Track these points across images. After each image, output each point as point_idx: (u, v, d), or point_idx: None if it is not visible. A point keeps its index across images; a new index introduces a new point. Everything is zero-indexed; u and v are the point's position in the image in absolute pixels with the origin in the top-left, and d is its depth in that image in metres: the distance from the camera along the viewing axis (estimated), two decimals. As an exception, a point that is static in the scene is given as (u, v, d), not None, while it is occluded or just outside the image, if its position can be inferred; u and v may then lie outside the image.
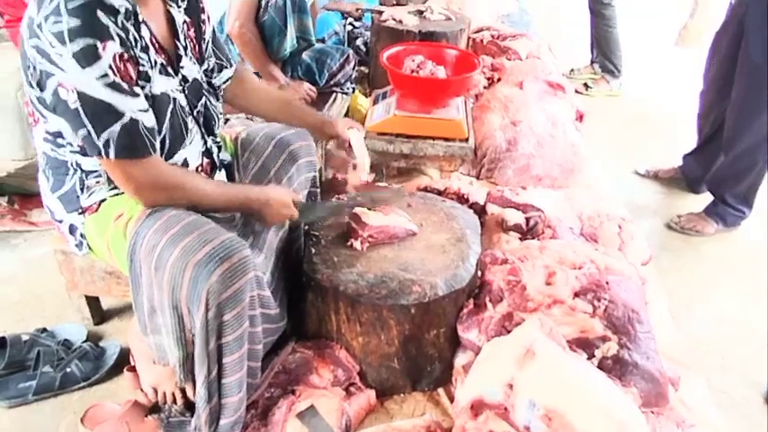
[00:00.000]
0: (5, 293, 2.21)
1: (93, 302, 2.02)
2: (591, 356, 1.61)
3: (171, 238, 1.39)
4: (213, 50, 1.75)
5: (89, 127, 1.35)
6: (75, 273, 1.87)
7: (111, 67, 1.32)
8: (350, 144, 2.00)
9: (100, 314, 2.07)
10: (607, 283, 1.76)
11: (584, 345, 1.62)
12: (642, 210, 2.99)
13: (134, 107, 1.38)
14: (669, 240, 2.80)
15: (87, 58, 1.30)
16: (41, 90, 1.38)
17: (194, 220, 1.43)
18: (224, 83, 1.82)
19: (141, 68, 1.43)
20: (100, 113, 1.34)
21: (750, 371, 2.08)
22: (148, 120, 1.42)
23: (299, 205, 1.71)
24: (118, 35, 1.35)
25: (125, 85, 1.36)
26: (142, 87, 1.43)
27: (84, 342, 1.90)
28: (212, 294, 1.35)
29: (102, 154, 1.37)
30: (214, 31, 1.77)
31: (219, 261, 1.35)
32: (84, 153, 1.50)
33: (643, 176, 3.31)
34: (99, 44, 1.30)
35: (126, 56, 1.36)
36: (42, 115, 1.46)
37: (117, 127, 1.35)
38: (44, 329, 1.92)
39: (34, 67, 1.35)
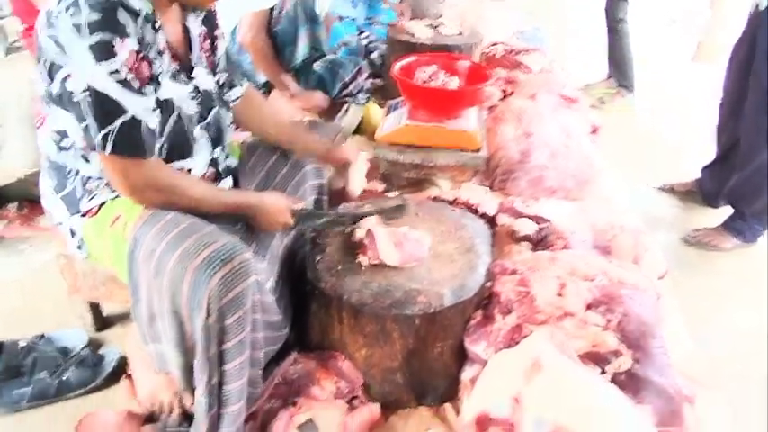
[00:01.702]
0: (8, 299, 2.19)
1: (94, 309, 2.00)
2: (603, 371, 1.54)
3: (170, 243, 1.36)
4: (225, 66, 1.74)
5: (91, 120, 1.34)
6: (77, 277, 1.84)
7: (124, 64, 1.32)
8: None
9: (101, 321, 2.04)
10: (620, 295, 1.70)
11: (595, 359, 1.56)
12: (658, 224, 2.92)
13: (140, 106, 1.37)
14: (685, 255, 2.74)
15: (102, 52, 1.29)
16: (51, 82, 1.37)
17: (193, 224, 1.40)
18: (233, 101, 1.81)
19: (154, 70, 1.42)
20: (104, 108, 1.33)
21: (769, 386, 2.01)
22: (152, 121, 1.41)
23: (297, 213, 1.68)
24: (136, 34, 1.35)
25: (136, 84, 1.35)
26: (154, 90, 1.42)
27: (83, 348, 1.87)
28: (213, 298, 1.31)
29: (99, 148, 1.35)
30: (228, 47, 1.76)
31: (220, 264, 1.32)
32: (86, 160, 1.49)
33: (659, 190, 3.25)
34: (117, 40, 1.30)
35: (142, 54, 1.36)
36: (49, 112, 1.44)
37: (118, 123, 1.34)
38: (42, 336, 1.89)
39: (46, 59, 1.34)
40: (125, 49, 1.32)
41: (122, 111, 1.34)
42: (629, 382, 1.52)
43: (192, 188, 1.50)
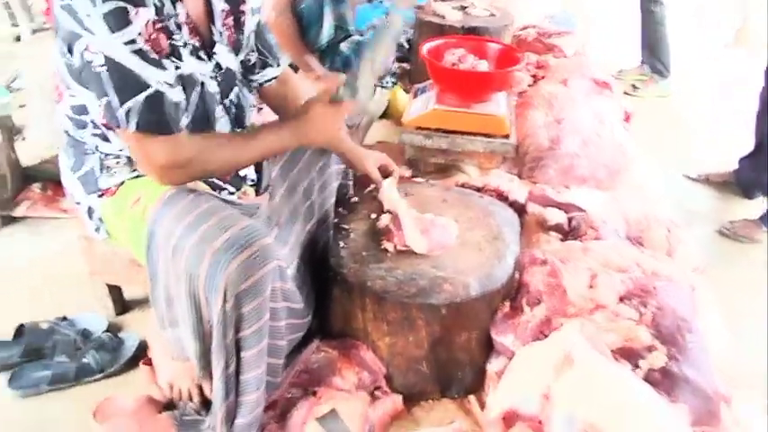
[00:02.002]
0: (29, 280, 2.18)
1: (115, 292, 1.98)
2: (636, 367, 1.48)
3: (189, 224, 1.31)
4: (257, 46, 1.68)
5: (111, 95, 1.28)
6: (97, 259, 1.82)
7: (141, 34, 1.27)
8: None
9: (121, 304, 2.02)
10: (654, 288, 1.64)
11: (628, 354, 1.50)
12: (693, 215, 2.82)
13: (161, 79, 1.31)
14: (721, 247, 2.64)
15: (117, 21, 1.24)
16: (70, 55, 1.32)
17: (213, 206, 1.36)
18: (267, 81, 1.75)
19: (174, 43, 1.36)
20: (124, 81, 1.28)
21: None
22: (175, 95, 1.35)
23: (346, 85, 1.60)
24: (154, 4, 1.30)
25: (153, 55, 1.30)
26: (176, 67, 1.37)
27: (103, 332, 1.85)
28: (231, 284, 1.27)
29: (123, 125, 1.30)
30: (261, 26, 1.69)
31: (239, 249, 1.27)
32: (104, 138, 1.45)
33: (694, 180, 3.15)
34: (131, 9, 1.25)
35: (159, 25, 1.31)
36: (68, 86, 1.41)
37: (141, 97, 1.29)
38: (64, 318, 1.88)
39: (63, 31, 1.29)
40: (141, 18, 1.26)
41: (144, 84, 1.29)
42: (664, 380, 1.46)
43: (217, 152, 1.42)
